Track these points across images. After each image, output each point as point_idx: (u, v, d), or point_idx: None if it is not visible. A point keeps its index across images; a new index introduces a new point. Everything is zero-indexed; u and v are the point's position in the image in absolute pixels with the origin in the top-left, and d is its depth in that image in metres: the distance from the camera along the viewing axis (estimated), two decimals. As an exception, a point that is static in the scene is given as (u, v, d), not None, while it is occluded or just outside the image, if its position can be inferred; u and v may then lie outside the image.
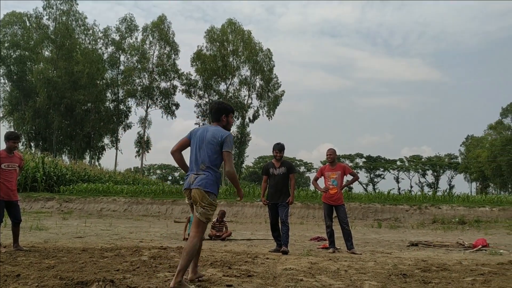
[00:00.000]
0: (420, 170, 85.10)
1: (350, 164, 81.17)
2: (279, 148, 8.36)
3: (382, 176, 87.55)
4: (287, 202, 8.21)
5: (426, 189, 77.97)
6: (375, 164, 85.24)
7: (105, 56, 52.00)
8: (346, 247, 8.42)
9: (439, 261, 6.95)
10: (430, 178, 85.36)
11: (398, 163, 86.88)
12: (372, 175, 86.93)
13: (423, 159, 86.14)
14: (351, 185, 9.74)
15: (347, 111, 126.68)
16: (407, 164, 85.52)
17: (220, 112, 4.94)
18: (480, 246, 9.12)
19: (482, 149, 69.50)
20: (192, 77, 51.35)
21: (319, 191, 9.46)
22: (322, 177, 8.80)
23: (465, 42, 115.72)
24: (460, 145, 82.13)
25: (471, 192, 64.80)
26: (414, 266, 6.24)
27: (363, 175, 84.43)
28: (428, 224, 17.12)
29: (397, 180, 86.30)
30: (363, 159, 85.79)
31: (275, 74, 51.69)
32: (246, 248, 8.56)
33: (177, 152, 4.97)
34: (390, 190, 26.04)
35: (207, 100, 51.27)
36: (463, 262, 6.90)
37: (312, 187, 27.24)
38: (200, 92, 51.51)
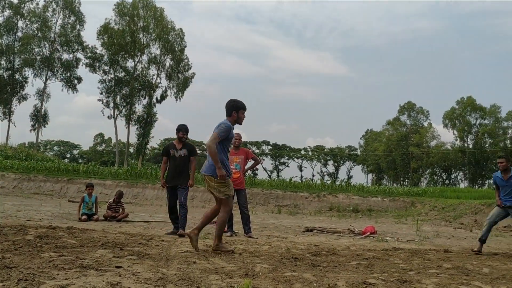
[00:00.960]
0: (322, 160, 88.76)
1: (257, 150, 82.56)
2: (184, 129, 8.19)
3: (286, 164, 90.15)
4: (187, 185, 8.08)
5: (326, 178, 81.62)
6: (280, 152, 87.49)
7: (1, 20, 47.76)
8: (243, 231, 8.50)
9: (330, 246, 7.23)
10: (331, 168, 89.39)
11: (303, 152, 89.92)
12: (277, 163, 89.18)
13: (325, 149, 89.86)
14: (256, 170, 9.86)
15: (257, 98, 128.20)
16: (310, 154, 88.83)
17: (231, 108, 5.79)
18: (368, 233, 9.67)
19: (379, 143, 74.02)
20: (98, 51, 48.86)
21: None
22: None
23: (372, 41, 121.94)
24: (360, 138, 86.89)
25: (367, 183, 68.79)
26: (306, 251, 6.43)
27: (268, 162, 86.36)
28: (325, 211, 17.88)
29: (300, 168, 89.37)
30: (269, 147, 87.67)
31: (186, 55, 50.76)
32: (142, 230, 8.32)
33: None
34: (292, 177, 26.87)
35: (112, 76, 49.11)
36: (351, 248, 7.23)
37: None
38: (106, 67, 49.13)
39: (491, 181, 66.19)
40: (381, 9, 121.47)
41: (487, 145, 64.43)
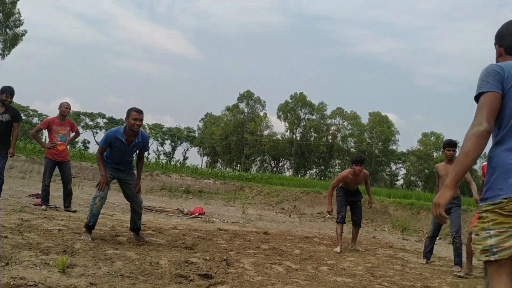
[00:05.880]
0: (160, 139, 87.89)
1: (91, 123, 78.33)
2: (9, 92, 7.39)
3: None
4: (6, 153, 7.35)
5: (162, 157, 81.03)
6: (116, 127, 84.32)
7: None
8: (63, 205, 8.07)
9: (157, 225, 7.25)
10: (168, 147, 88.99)
11: (146, 132, 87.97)
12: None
13: (164, 128, 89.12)
14: (74, 140, 9.43)
15: (97, 68, 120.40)
16: (148, 131, 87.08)
17: None
18: (197, 214, 9.91)
19: (217, 127, 75.82)
20: None
21: (42, 146, 8.70)
22: (46, 130, 8.22)
23: (224, 27, 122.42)
24: (199, 121, 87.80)
25: (201, 165, 70.14)
26: (132, 229, 6.34)
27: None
28: (157, 191, 17.80)
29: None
30: (105, 120, 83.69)
31: (18, 10, 45.46)
32: None
33: (491, 131, 2.24)
34: (125, 154, 26.06)
35: None
36: (178, 227, 7.35)
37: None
38: None
39: (312, 171, 72.28)
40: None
41: (312, 138, 70.47)
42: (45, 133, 8.44)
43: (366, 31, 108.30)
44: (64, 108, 8.22)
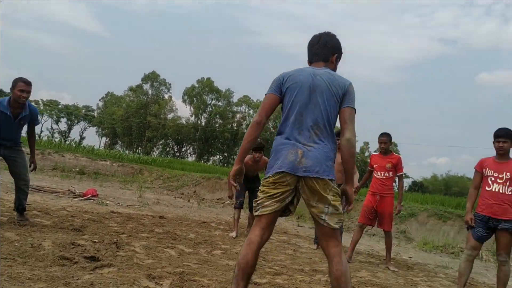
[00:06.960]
0: (55, 116, 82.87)
1: (-23, 94, 71.73)
2: None
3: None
4: None
5: (56, 136, 76.50)
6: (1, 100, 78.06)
7: None
8: None
9: (44, 206, 6.82)
10: (63, 126, 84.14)
11: (33, 104, 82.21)
12: None
13: (60, 105, 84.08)
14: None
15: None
16: (42, 108, 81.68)
17: (333, 49, 3.06)
18: (89, 196, 9.49)
19: (118, 108, 73.08)
20: None
21: None
22: None
23: (132, 3, 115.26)
24: (99, 100, 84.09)
25: (99, 146, 67.29)
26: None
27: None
28: (48, 170, 16.81)
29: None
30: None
31: None
32: None
33: (263, 122, 2.89)
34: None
35: None
36: (67, 209, 6.97)
37: None
38: None
39: (215, 157, 72.62)
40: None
41: (217, 125, 70.59)
42: None
43: (276, 22, 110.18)
44: None
